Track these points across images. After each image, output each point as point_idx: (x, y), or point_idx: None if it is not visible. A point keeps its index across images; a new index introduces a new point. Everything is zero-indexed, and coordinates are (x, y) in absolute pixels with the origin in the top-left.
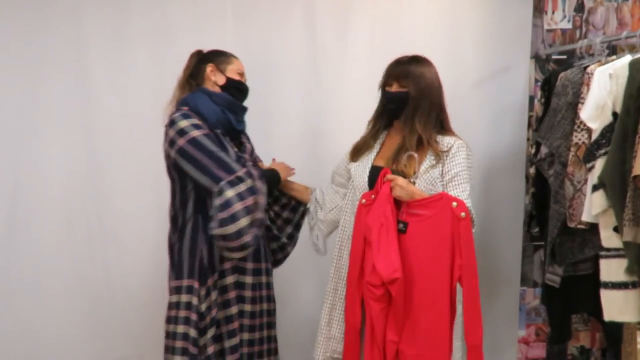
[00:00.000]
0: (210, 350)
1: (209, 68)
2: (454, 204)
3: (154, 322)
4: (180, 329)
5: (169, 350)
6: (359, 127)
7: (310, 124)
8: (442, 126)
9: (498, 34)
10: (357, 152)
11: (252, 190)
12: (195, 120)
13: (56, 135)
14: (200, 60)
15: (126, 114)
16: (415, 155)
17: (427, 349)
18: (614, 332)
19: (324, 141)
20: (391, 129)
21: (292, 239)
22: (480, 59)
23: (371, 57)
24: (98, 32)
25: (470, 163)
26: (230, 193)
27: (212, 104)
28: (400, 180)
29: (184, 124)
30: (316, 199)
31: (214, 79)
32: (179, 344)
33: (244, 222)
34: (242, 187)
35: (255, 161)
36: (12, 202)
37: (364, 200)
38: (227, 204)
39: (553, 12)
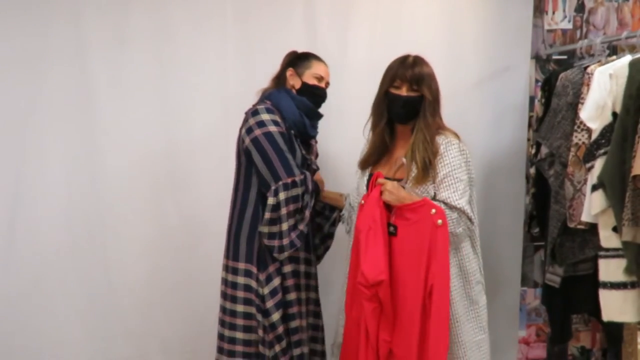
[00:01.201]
0: (280, 329)
1: (289, 72)
2: (433, 210)
3: (154, 322)
4: (241, 308)
5: (228, 325)
6: (359, 127)
7: None
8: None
9: (498, 34)
10: (365, 163)
11: (298, 199)
12: (276, 117)
13: (56, 135)
14: (288, 63)
15: (126, 114)
16: (404, 160)
17: (413, 352)
18: (614, 332)
19: (324, 141)
20: (394, 135)
21: (324, 242)
22: (481, 59)
23: (371, 57)
24: (98, 31)
25: (465, 157)
26: (282, 196)
27: (293, 105)
28: (389, 185)
29: (265, 117)
30: (350, 204)
31: (292, 82)
32: (240, 321)
33: (285, 225)
34: (292, 193)
35: (317, 166)
36: (12, 202)
37: (362, 202)
38: (277, 206)
39: (553, 12)
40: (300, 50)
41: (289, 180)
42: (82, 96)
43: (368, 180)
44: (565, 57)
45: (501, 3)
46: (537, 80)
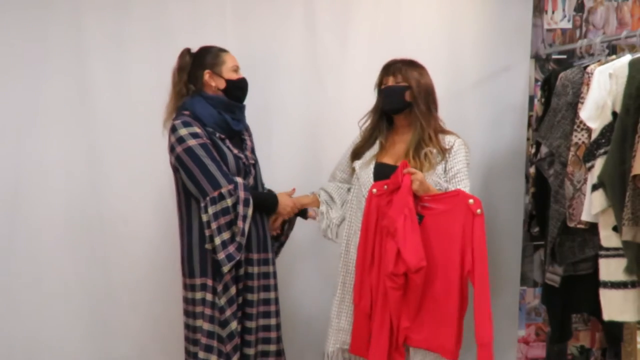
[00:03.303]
0: (238, 340)
1: (207, 75)
2: (471, 201)
3: (154, 322)
4: (198, 322)
5: (190, 341)
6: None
7: (310, 122)
8: (440, 126)
9: (498, 33)
10: (357, 152)
11: (228, 210)
12: (195, 129)
13: (56, 136)
14: (195, 66)
15: (126, 114)
16: (434, 150)
17: (434, 335)
18: (615, 332)
19: (324, 140)
20: (393, 128)
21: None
22: (480, 59)
23: (371, 57)
24: (98, 32)
25: (469, 160)
26: (211, 211)
27: (209, 107)
28: (420, 175)
29: (183, 132)
30: (325, 200)
31: (214, 84)
32: (198, 336)
33: (217, 240)
34: (219, 207)
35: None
36: (12, 202)
37: (374, 190)
38: (208, 223)
39: (553, 12)
40: (303, 52)
41: (216, 194)
42: (82, 97)
43: (375, 172)
44: (564, 56)
45: (501, 3)
46: (536, 80)
